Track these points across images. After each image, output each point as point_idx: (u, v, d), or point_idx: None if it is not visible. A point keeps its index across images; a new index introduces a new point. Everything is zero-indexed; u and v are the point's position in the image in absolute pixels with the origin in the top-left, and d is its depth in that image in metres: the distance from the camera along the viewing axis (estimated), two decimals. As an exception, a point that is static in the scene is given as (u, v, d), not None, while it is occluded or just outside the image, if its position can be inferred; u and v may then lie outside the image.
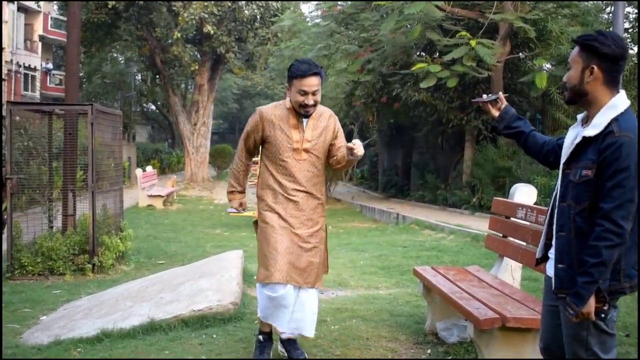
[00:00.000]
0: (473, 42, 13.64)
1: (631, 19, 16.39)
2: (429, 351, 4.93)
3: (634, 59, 15.00)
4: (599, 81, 2.88)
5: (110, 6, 24.78)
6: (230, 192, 4.73)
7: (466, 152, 18.27)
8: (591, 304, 2.78)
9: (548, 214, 3.13)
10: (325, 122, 4.54)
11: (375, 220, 17.17)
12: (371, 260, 9.51)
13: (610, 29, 13.39)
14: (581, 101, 2.97)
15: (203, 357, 4.67)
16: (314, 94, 4.31)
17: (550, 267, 3.06)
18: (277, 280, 4.20)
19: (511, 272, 5.42)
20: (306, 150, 4.43)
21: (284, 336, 4.55)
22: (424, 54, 17.55)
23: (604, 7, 16.80)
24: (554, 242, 3.01)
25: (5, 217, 8.25)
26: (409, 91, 17.63)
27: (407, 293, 7.09)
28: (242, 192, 4.77)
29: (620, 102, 2.87)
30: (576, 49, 2.96)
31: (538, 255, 3.24)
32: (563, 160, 2.99)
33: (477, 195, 16.51)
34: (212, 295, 5.85)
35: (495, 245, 5.52)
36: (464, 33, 14.03)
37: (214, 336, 5.19)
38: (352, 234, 13.70)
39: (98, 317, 5.89)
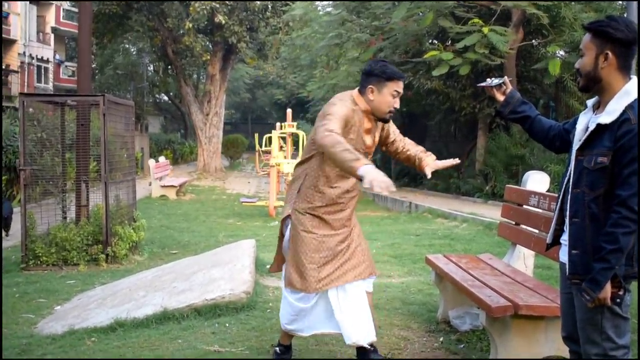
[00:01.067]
0: (485, 29, 13.55)
1: (646, 5, 16.21)
2: (441, 339, 4.92)
3: None
4: (613, 67, 2.85)
5: (121, -3, 24.83)
6: (357, 160, 3.55)
7: (479, 140, 18.21)
8: (607, 289, 2.78)
9: (559, 200, 3.10)
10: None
11: (388, 209, 17.15)
12: (383, 249, 9.50)
13: (625, 15, 13.27)
14: (595, 88, 2.93)
15: (216, 346, 4.68)
16: (400, 97, 4.11)
17: (563, 254, 3.04)
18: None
19: (524, 259, 5.39)
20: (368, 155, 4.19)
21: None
22: (436, 42, 17.46)
23: (618, -8, 16.64)
24: (566, 229, 3.00)
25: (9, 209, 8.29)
26: (421, 79, 17.59)
27: (420, 281, 7.09)
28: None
29: (633, 88, 2.84)
30: (588, 35, 2.92)
31: (548, 240, 3.22)
32: (576, 146, 2.97)
33: (490, 184, 16.48)
34: (224, 284, 5.87)
35: (507, 233, 5.50)
36: (476, 20, 13.94)
37: (227, 325, 5.21)
38: (365, 223, 13.68)
39: (112, 306, 5.92)
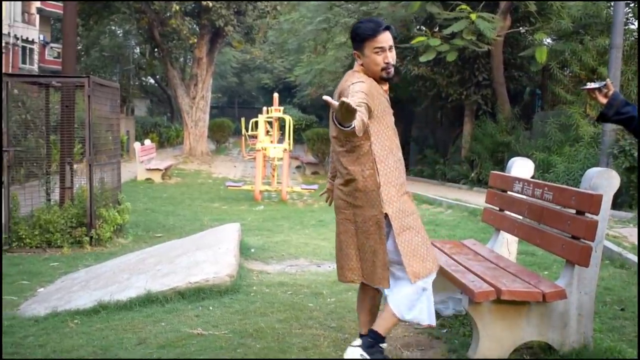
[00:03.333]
0: (473, 16, 13.55)
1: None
2: (424, 324, 4.94)
3: (634, 34, 14.90)
4: None
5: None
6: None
7: (465, 127, 18.24)
8: None
9: None
10: None
11: (374, 195, 17.13)
12: (369, 234, 9.49)
13: (612, 3, 13.30)
14: None
15: (199, 329, 4.68)
16: (390, 49, 3.79)
17: None
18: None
19: (507, 245, 5.41)
20: None
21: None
22: (423, 28, 17.44)
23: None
24: None
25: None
26: (408, 65, 17.58)
27: (404, 266, 7.09)
28: None
29: None
30: None
31: None
32: None
33: (476, 170, 16.54)
34: (208, 267, 5.86)
35: (491, 219, 5.52)
36: (464, 6, 13.92)
37: (210, 308, 5.21)
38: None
39: (95, 289, 5.90)
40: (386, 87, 3.92)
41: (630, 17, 15.48)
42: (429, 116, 22.11)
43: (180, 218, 11.88)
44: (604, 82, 3.49)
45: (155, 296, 5.42)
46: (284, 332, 4.63)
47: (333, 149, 3.94)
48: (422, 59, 14.62)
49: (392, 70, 3.84)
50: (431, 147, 20.48)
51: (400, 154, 3.93)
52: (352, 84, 3.69)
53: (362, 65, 3.84)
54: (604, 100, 3.48)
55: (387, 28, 3.78)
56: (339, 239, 3.98)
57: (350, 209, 3.85)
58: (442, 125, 21.54)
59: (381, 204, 3.74)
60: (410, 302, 3.80)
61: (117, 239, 9.03)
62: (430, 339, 4.64)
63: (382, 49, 3.75)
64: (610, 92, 3.47)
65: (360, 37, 3.79)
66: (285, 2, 23.28)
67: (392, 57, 3.81)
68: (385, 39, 3.76)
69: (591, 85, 3.51)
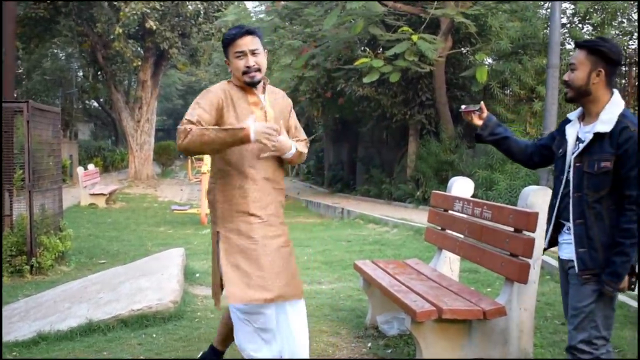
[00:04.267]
0: (415, 37, 13.74)
1: (568, 14, 16.75)
2: (369, 344, 4.96)
3: (571, 53, 15.32)
4: (602, 82, 3.20)
5: (48, 1, 24.22)
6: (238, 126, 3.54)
7: (410, 147, 18.43)
8: (626, 279, 3.11)
9: (556, 206, 3.35)
10: (282, 100, 3.95)
11: (321, 215, 17.20)
12: (315, 255, 9.52)
13: (548, 24, 13.67)
14: (583, 100, 3.26)
15: (141, 358, 4.61)
16: (253, 53, 3.67)
17: (566, 252, 3.33)
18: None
19: (450, 264, 5.48)
20: None
21: None
22: (367, 49, 17.62)
23: (542, 3, 17.11)
24: (567, 230, 3.30)
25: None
26: (353, 86, 17.71)
27: (349, 287, 7.13)
28: None
29: (619, 99, 3.21)
30: (582, 52, 3.22)
31: (545, 245, 3.50)
32: (574, 154, 3.24)
33: (421, 189, 16.69)
34: (152, 294, 5.79)
35: (434, 237, 5.59)
36: (406, 28, 14.12)
37: (154, 335, 5.13)
38: (297, 230, 13.69)
39: (35, 319, 5.77)
40: (254, 96, 3.76)
41: (567, 37, 15.94)
42: (374, 136, 22.29)
43: (124, 243, 11.70)
44: (478, 105, 3.74)
45: (97, 325, 5.33)
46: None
47: None
48: (366, 80, 14.73)
49: (255, 74, 3.68)
50: (377, 166, 20.63)
51: (264, 173, 3.70)
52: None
53: (231, 72, 3.79)
54: (479, 122, 3.75)
55: (250, 32, 3.67)
56: None
57: None
58: (387, 145, 21.73)
59: (216, 221, 3.71)
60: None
61: (59, 267, 8.84)
62: (375, 358, 4.66)
63: (243, 53, 3.65)
64: (485, 114, 3.74)
65: (224, 44, 3.74)
66: (230, 25, 23.24)
67: (255, 60, 3.66)
68: (246, 42, 3.65)
69: (468, 107, 3.75)
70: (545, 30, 15.35)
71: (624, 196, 3.08)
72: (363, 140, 23.28)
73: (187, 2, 26.05)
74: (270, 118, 3.74)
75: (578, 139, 3.26)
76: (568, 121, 3.40)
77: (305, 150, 3.92)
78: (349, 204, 17.68)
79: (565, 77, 3.28)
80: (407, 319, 4.15)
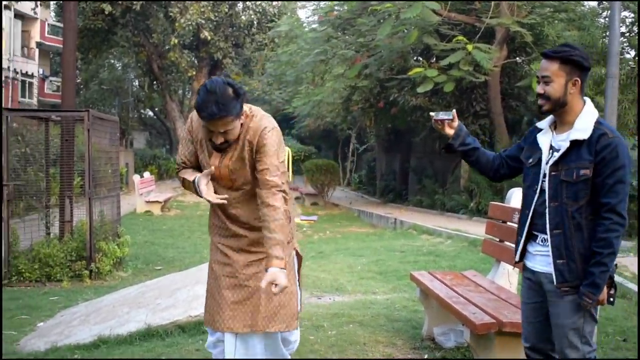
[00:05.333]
0: (470, 47, 13.66)
1: (627, 23, 16.43)
2: (425, 356, 4.92)
3: (630, 63, 15.04)
4: (577, 91, 3.14)
5: (107, 12, 24.78)
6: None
7: (464, 157, 18.27)
8: (605, 291, 3.03)
9: (528, 216, 3.26)
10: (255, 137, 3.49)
11: (373, 225, 17.16)
12: (368, 265, 9.50)
13: (607, 33, 13.42)
14: (559, 110, 3.16)
15: (200, 363, 4.66)
16: (225, 133, 3.38)
17: (540, 264, 3.20)
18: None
19: (508, 276, 5.41)
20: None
21: None
22: (420, 59, 17.57)
23: (600, 11, 16.84)
24: (541, 241, 3.19)
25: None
26: (406, 96, 17.67)
27: (405, 298, 7.08)
28: None
29: (592, 107, 3.15)
30: (554, 63, 3.13)
31: (517, 258, 3.38)
32: (549, 163, 3.14)
33: (475, 200, 16.53)
34: (209, 301, 5.83)
35: (492, 249, 5.52)
36: (460, 37, 14.05)
37: (211, 342, 5.17)
38: (350, 239, 13.69)
39: (95, 323, 5.88)
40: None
41: (626, 46, 15.63)
42: (427, 146, 22.17)
43: (179, 250, 11.85)
44: (451, 114, 3.58)
45: (155, 330, 5.39)
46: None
47: None
48: (420, 89, 14.70)
49: (224, 147, 3.47)
50: (430, 177, 20.50)
51: (234, 210, 3.72)
52: None
53: None
54: (450, 132, 3.57)
55: (222, 117, 3.29)
56: None
57: None
58: (440, 155, 21.58)
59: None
60: None
61: (117, 272, 9.01)
62: (432, 371, 4.63)
63: (211, 132, 3.42)
64: (456, 124, 3.58)
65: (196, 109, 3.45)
66: (283, 35, 23.44)
67: (225, 138, 3.42)
68: (216, 125, 3.34)
69: (440, 116, 3.58)
70: (603, 39, 15.07)
71: (601, 204, 2.99)
72: (416, 150, 23.18)
73: (241, 13, 26.38)
74: (227, 161, 3.53)
75: (552, 148, 3.17)
76: (538, 130, 3.30)
77: (283, 206, 3.52)
78: (401, 214, 17.60)
79: (539, 89, 3.17)
80: (465, 331, 4.11)
